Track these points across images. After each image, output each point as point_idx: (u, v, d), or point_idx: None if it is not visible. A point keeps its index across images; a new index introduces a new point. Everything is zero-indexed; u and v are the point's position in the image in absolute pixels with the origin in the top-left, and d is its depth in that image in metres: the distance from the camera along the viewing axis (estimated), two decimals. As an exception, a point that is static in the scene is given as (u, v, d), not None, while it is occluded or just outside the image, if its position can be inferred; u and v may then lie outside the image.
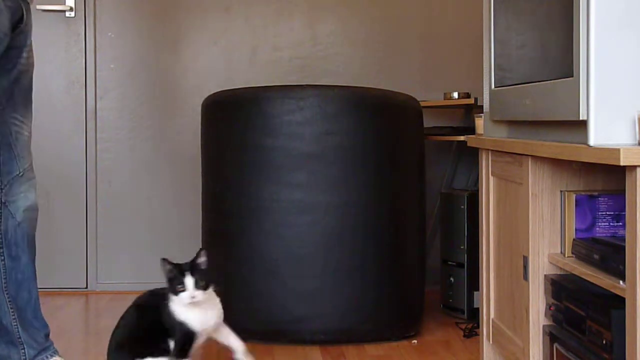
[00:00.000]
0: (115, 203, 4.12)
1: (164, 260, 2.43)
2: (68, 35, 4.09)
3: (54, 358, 2.64)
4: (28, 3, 2.50)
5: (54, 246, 4.00)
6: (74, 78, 4.11)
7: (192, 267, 2.42)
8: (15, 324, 2.56)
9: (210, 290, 2.45)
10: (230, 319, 3.21)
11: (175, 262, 2.45)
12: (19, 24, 2.47)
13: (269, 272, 3.13)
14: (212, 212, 3.30)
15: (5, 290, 2.55)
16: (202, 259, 2.44)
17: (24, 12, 2.49)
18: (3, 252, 2.55)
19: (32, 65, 2.55)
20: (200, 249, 2.47)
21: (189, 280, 2.39)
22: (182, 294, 2.39)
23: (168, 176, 4.12)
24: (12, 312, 2.56)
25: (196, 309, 2.44)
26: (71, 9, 4.06)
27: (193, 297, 2.39)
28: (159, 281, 4.03)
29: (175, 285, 2.40)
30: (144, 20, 4.13)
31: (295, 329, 3.13)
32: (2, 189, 2.54)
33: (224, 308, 3.24)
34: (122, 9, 4.12)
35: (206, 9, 4.13)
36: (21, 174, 2.57)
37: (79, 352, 3.09)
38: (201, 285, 2.40)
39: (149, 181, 4.13)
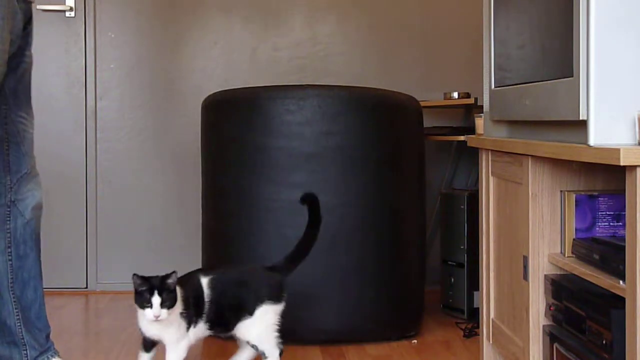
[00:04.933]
0: (115, 203, 4.12)
1: (135, 275, 2.38)
2: (68, 35, 4.09)
3: (54, 359, 2.64)
4: (31, 3, 2.54)
5: (54, 246, 4.00)
6: (74, 78, 4.11)
7: (161, 286, 2.37)
8: (19, 324, 2.57)
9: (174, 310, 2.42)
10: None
11: (146, 276, 2.40)
12: (28, 24, 2.51)
13: (269, 272, 3.13)
14: (212, 212, 3.30)
15: (11, 290, 2.56)
16: (172, 280, 2.38)
17: (32, 13, 2.53)
18: (11, 252, 2.55)
19: (32, 63, 2.58)
20: (173, 272, 2.40)
21: (156, 299, 2.36)
22: (147, 311, 2.37)
23: (168, 176, 4.12)
24: (17, 312, 2.56)
25: (157, 325, 2.41)
26: (71, 9, 4.06)
27: (157, 317, 2.36)
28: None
29: (142, 300, 2.38)
30: (144, 20, 4.13)
31: (295, 329, 3.13)
32: (11, 187, 2.55)
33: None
34: (122, 9, 4.12)
35: (206, 9, 4.13)
36: (28, 171, 2.58)
37: (79, 352, 3.09)
38: (166, 305, 2.37)
39: (149, 181, 4.13)
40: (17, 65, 2.50)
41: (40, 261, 2.62)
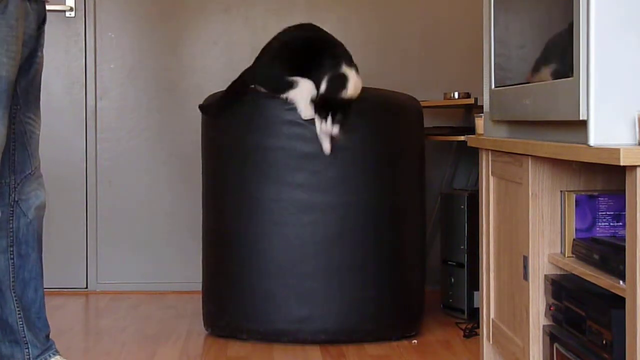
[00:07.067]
0: (115, 203, 4.12)
1: None
2: (68, 35, 4.09)
3: (55, 357, 2.64)
4: (45, 2, 2.55)
5: (54, 246, 3.99)
6: (74, 78, 4.11)
7: None
8: (20, 323, 2.57)
9: None
10: (231, 318, 3.22)
11: None
12: (42, 24, 2.53)
13: (269, 272, 3.13)
14: (212, 212, 3.30)
15: (12, 289, 2.56)
16: None
17: (46, 13, 2.54)
18: (13, 251, 2.56)
19: (42, 64, 2.60)
20: None
21: None
22: None
23: (168, 176, 4.12)
24: (18, 311, 2.57)
25: None
26: (71, 9, 4.06)
27: None
28: (159, 281, 4.06)
29: None
30: (144, 20, 4.13)
31: (295, 329, 3.13)
32: (15, 187, 2.56)
33: (223, 308, 3.25)
34: (122, 9, 4.12)
35: (206, 9, 4.13)
36: (32, 172, 2.60)
37: (79, 352, 3.09)
38: None
39: (149, 181, 4.13)
40: (29, 67, 2.52)
41: (41, 262, 2.63)
